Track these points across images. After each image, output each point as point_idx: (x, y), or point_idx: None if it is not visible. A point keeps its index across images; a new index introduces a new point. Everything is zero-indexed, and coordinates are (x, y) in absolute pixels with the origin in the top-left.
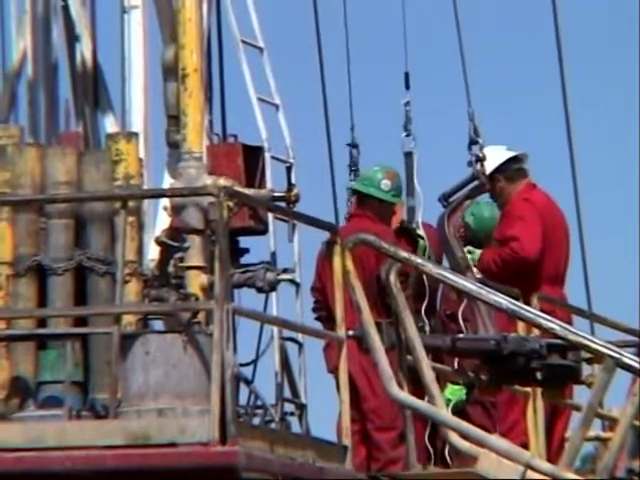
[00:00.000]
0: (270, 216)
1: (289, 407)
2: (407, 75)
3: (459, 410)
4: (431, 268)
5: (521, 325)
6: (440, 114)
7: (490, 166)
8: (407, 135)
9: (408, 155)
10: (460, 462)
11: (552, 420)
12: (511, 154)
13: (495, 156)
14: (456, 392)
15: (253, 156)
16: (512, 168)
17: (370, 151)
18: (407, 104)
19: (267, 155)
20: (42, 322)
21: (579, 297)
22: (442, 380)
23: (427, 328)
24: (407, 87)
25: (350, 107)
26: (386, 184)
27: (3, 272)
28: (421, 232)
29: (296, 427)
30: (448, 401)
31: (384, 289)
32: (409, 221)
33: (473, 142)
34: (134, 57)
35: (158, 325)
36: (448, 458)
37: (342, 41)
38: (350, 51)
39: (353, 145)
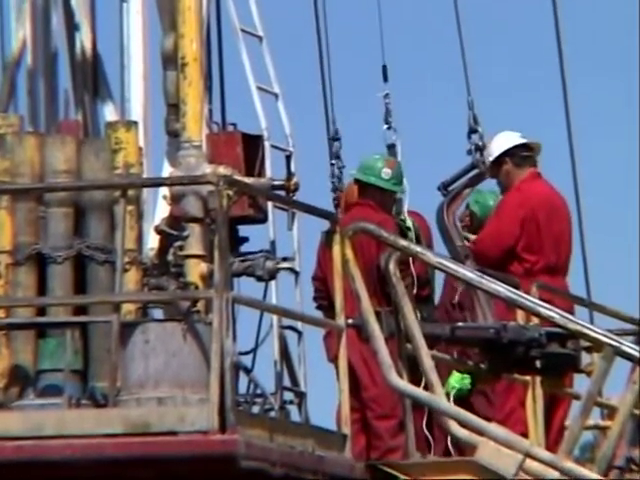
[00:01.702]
0: (270, 205)
1: (288, 396)
2: (385, 68)
3: (463, 398)
4: (430, 257)
5: (520, 314)
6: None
7: (501, 147)
8: (388, 128)
9: (391, 147)
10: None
11: (551, 409)
12: (523, 140)
13: (507, 139)
14: (461, 380)
15: (253, 145)
16: (521, 154)
17: (354, 144)
18: (386, 96)
19: (267, 144)
20: (42, 310)
21: (579, 286)
22: (447, 369)
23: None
24: (385, 79)
25: (329, 99)
26: (387, 172)
27: (3, 261)
28: (409, 223)
29: (295, 416)
30: (454, 389)
31: (384, 278)
32: (397, 213)
33: (472, 131)
34: (133, 46)
35: (158, 314)
36: (451, 447)
37: (338, 31)
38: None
39: (335, 138)
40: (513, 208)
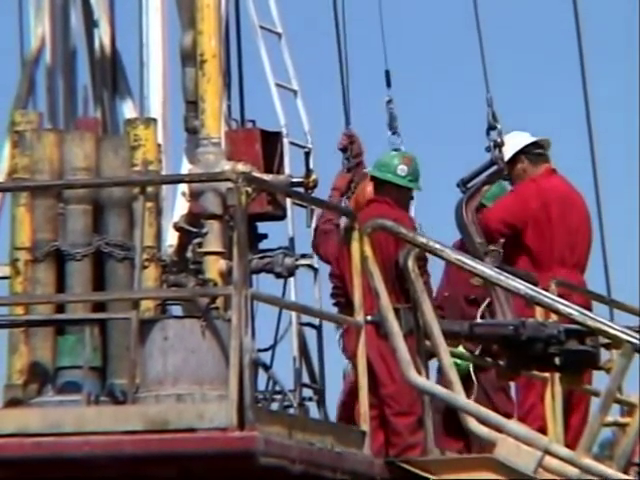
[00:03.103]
0: (288, 201)
1: (307, 392)
2: (388, 73)
3: (463, 377)
4: (449, 254)
5: (539, 310)
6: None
7: (515, 147)
8: (393, 133)
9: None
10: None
11: (570, 406)
12: (534, 138)
13: (519, 138)
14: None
15: (271, 141)
16: (535, 151)
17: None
18: (390, 102)
19: (285, 140)
20: (61, 307)
21: (599, 283)
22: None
23: None
24: (388, 85)
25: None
26: (402, 169)
27: (22, 257)
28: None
29: (315, 412)
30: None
31: (402, 274)
32: None
33: (491, 128)
34: (152, 43)
35: (176, 310)
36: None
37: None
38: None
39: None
40: (527, 197)
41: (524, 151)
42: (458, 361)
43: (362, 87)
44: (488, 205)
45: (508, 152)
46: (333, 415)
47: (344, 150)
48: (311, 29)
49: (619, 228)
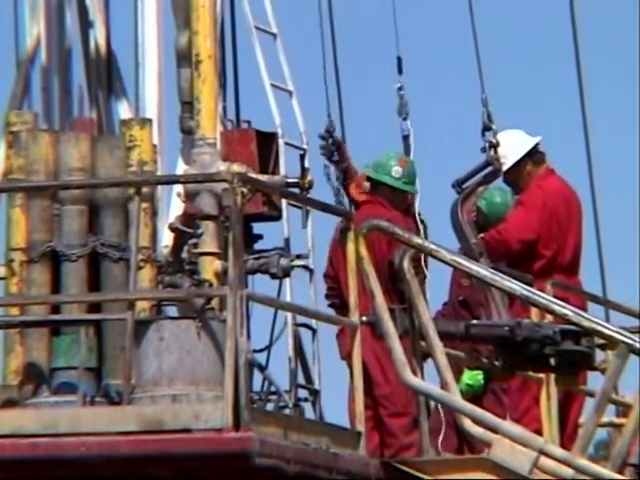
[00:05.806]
0: (284, 202)
1: (303, 393)
2: (399, 60)
3: (476, 395)
4: (445, 254)
5: (535, 311)
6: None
7: (520, 150)
8: (404, 119)
9: (406, 138)
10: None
11: (565, 406)
12: (537, 139)
13: (519, 139)
14: (474, 377)
15: (267, 142)
16: (537, 152)
17: (368, 136)
18: (401, 88)
19: (281, 141)
20: (56, 308)
21: (594, 283)
22: (459, 366)
23: None
24: (400, 72)
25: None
26: (397, 171)
27: (17, 258)
28: (424, 217)
29: (310, 413)
30: (468, 386)
31: (395, 275)
32: (408, 205)
33: (487, 128)
34: (148, 43)
35: (172, 311)
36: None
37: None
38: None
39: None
40: (539, 207)
41: (528, 154)
42: (470, 382)
43: (358, 79)
44: (484, 209)
45: (513, 156)
46: (328, 416)
47: (330, 158)
48: (306, 29)
49: (616, 228)
